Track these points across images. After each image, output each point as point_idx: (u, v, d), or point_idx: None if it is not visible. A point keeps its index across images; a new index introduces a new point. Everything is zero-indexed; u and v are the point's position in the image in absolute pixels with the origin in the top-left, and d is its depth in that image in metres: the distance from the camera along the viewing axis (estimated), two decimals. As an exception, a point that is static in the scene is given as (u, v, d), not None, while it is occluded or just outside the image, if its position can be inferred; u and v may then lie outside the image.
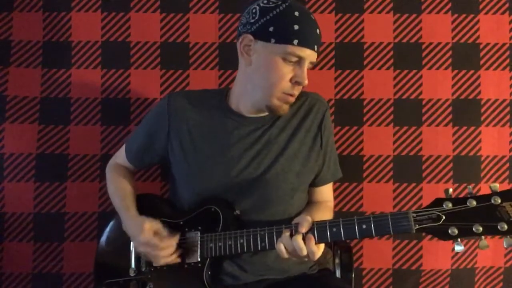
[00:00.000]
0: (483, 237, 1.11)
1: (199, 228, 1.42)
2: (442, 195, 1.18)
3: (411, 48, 1.90)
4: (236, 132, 1.47)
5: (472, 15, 1.89)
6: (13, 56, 1.91)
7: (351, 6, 1.92)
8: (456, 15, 1.90)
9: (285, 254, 1.26)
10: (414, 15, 1.90)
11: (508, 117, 1.89)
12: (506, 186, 1.87)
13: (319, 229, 1.25)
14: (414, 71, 1.90)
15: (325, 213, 1.48)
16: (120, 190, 1.57)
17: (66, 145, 1.91)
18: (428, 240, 1.87)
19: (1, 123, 1.90)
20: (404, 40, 1.90)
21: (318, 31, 1.37)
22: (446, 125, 1.89)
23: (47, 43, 1.92)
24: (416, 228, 1.16)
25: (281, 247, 1.25)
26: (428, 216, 1.15)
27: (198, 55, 1.93)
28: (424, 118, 1.90)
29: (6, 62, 1.91)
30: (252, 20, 1.37)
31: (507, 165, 1.88)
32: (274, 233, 1.31)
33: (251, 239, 1.33)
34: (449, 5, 1.90)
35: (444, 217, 1.14)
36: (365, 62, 1.91)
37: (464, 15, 1.89)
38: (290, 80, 1.37)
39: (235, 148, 1.45)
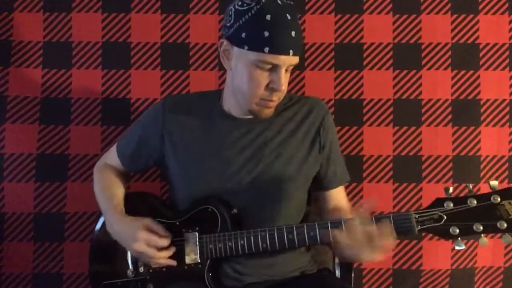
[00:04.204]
0: (483, 235, 1.13)
1: (197, 228, 1.40)
2: (442, 195, 1.19)
3: (411, 49, 1.90)
4: (229, 134, 1.45)
5: (471, 15, 1.89)
6: (13, 56, 1.91)
7: (350, 6, 1.92)
8: (455, 16, 1.90)
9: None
10: (413, 16, 1.91)
11: (507, 117, 1.89)
12: (505, 185, 1.87)
13: (320, 228, 1.25)
14: (414, 71, 1.90)
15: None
16: (107, 190, 1.53)
17: (66, 145, 1.91)
18: (428, 240, 1.87)
19: (2, 123, 1.90)
20: (404, 41, 1.91)
21: (293, 33, 1.28)
22: (445, 125, 1.89)
23: (47, 43, 1.93)
24: (418, 229, 1.17)
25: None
26: (430, 216, 1.17)
27: (198, 55, 1.93)
28: (423, 118, 1.90)
29: (6, 62, 1.91)
30: (228, 24, 1.33)
31: (507, 165, 1.88)
32: (275, 234, 1.30)
33: (252, 240, 1.32)
34: (449, 5, 1.90)
35: (445, 217, 1.16)
36: (364, 63, 1.91)
37: (463, 15, 1.90)
38: (267, 86, 1.32)
39: (228, 151, 1.44)
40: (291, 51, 1.28)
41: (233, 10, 1.32)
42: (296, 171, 1.45)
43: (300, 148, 1.46)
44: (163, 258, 1.36)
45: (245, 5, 1.30)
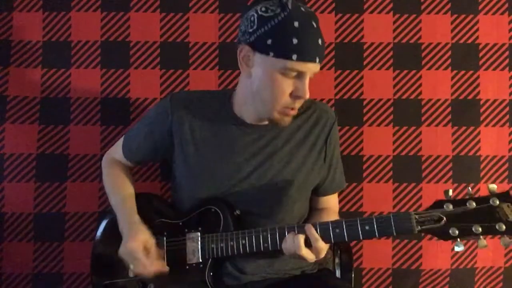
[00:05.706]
0: (482, 236, 1.15)
1: (200, 228, 1.41)
2: (442, 195, 1.21)
3: (411, 48, 1.90)
4: (240, 139, 1.44)
5: (471, 16, 1.90)
6: (13, 56, 1.91)
7: (351, 6, 1.92)
8: (455, 16, 1.90)
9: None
10: (413, 16, 1.90)
11: (507, 117, 1.89)
12: (505, 186, 1.88)
13: (322, 230, 1.26)
14: (414, 71, 1.90)
15: (329, 218, 1.48)
16: (119, 189, 1.54)
17: (66, 145, 1.91)
18: (428, 240, 1.88)
19: (2, 123, 1.90)
20: (404, 40, 1.91)
21: (320, 41, 1.27)
22: (445, 125, 1.89)
23: (46, 43, 1.92)
24: (418, 229, 1.19)
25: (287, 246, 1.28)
26: (430, 217, 1.18)
27: (198, 55, 1.93)
28: (423, 118, 1.90)
29: (6, 62, 1.91)
30: (251, 30, 1.28)
31: (506, 165, 1.89)
32: (277, 234, 1.31)
33: (253, 240, 1.33)
34: (449, 5, 1.90)
35: (445, 219, 1.17)
36: (365, 62, 1.91)
37: (463, 16, 1.90)
38: (291, 94, 1.31)
39: (238, 156, 1.44)
40: (317, 59, 1.27)
41: (255, 15, 1.28)
42: (303, 180, 1.46)
43: (307, 158, 1.47)
44: (147, 271, 1.37)
45: (270, 11, 1.27)
